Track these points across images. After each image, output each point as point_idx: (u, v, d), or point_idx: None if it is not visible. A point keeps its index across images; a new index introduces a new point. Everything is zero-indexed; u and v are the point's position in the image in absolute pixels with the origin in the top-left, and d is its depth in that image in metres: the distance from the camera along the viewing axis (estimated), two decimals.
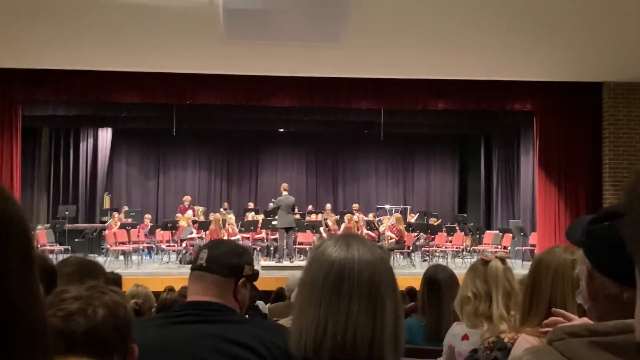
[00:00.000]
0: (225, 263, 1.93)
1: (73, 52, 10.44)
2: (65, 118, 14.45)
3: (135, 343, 1.37)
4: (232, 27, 9.02)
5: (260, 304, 6.52)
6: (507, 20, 8.92)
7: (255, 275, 2.02)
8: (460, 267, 12.76)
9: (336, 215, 16.32)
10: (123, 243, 13.77)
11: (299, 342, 1.20)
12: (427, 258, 14.30)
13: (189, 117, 14.54)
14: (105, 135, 18.64)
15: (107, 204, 17.95)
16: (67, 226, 14.96)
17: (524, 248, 13.92)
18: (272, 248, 14.29)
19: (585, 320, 1.47)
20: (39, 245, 12.78)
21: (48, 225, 15.32)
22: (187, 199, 17.11)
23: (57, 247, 13.43)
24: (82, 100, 12.74)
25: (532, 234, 13.76)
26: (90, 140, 18.28)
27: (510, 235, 14.10)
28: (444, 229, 14.96)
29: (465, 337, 2.69)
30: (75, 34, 9.56)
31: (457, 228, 15.09)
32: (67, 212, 15.59)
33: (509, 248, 14.11)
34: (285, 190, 13.68)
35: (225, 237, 12.75)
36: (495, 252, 2.68)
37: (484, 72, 11.50)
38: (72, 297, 1.33)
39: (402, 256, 14.32)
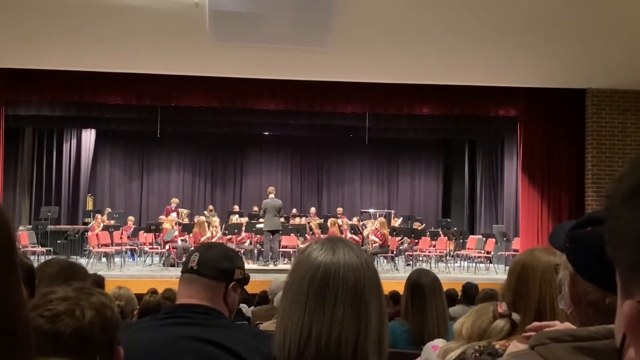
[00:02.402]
0: (216, 267, 1.92)
1: (57, 52, 10.38)
2: (48, 118, 14.36)
3: (121, 345, 1.37)
4: (218, 30, 9.00)
5: (243, 307, 6.49)
6: (492, 26, 8.98)
7: (246, 279, 2.01)
8: (443, 272, 12.80)
9: (320, 219, 16.31)
10: (106, 245, 13.65)
11: (283, 346, 1.19)
12: (411, 262, 14.31)
13: (174, 119, 14.50)
14: (88, 136, 18.51)
15: (90, 206, 17.81)
16: (50, 227, 14.82)
17: (506, 253, 13.97)
18: (255, 251, 14.25)
19: (568, 325, 1.47)
20: (20, 247, 12.64)
21: (30, 226, 15.17)
22: (174, 201, 16.98)
23: (39, 249, 13.31)
24: (66, 100, 12.67)
25: (515, 239, 13.80)
26: (74, 141, 18.15)
27: (494, 240, 14.17)
28: (428, 233, 14.97)
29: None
30: (59, 34, 9.50)
31: (441, 232, 15.11)
32: (49, 213, 15.46)
33: (491, 253, 14.19)
34: (271, 193, 13.63)
35: (207, 240, 12.72)
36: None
37: (469, 77, 11.55)
38: (59, 298, 1.32)
39: (385, 260, 14.33)
